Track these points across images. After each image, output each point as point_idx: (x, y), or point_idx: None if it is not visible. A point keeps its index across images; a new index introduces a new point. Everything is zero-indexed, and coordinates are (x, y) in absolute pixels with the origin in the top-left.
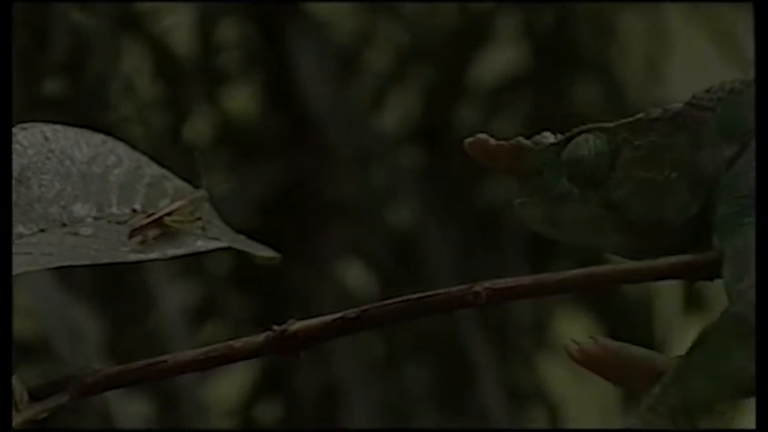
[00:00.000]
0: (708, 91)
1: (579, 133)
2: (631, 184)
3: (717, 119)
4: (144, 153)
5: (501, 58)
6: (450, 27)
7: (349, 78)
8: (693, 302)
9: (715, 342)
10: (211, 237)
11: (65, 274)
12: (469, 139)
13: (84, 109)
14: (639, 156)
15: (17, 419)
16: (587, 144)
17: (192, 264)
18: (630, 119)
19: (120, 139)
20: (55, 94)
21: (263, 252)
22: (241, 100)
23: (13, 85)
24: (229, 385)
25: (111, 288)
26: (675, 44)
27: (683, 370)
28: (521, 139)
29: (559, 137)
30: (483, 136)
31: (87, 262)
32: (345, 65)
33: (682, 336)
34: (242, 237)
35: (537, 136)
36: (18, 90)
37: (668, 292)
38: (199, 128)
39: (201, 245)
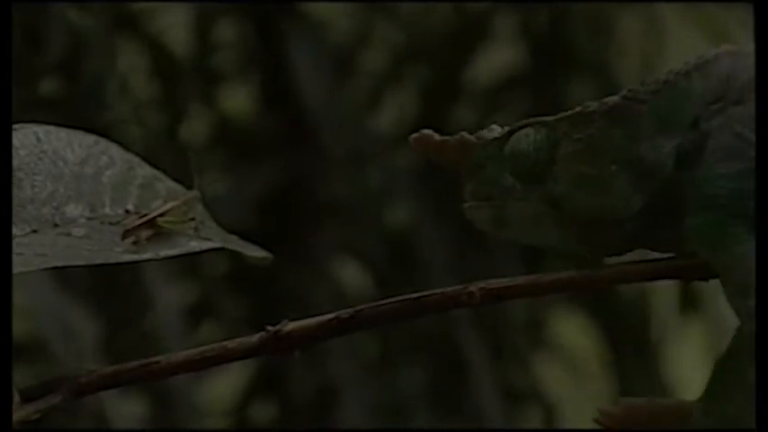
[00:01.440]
0: (643, 84)
1: (521, 127)
2: (571, 178)
3: (652, 111)
4: (140, 153)
5: (497, 57)
6: (447, 27)
7: (345, 78)
8: (689, 302)
9: (736, 365)
10: (204, 237)
11: (60, 275)
12: (414, 135)
13: (81, 109)
14: (578, 149)
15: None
16: (527, 138)
17: (188, 264)
18: (569, 112)
19: (115, 139)
20: (51, 93)
21: (255, 252)
22: (237, 100)
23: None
24: (224, 385)
25: (107, 288)
26: (671, 44)
27: (712, 397)
28: (464, 133)
29: (503, 131)
30: (427, 131)
31: (80, 262)
32: (341, 65)
33: (677, 335)
34: (234, 237)
35: (482, 130)
36: (14, 90)
37: (664, 292)
38: (195, 127)
39: (195, 245)
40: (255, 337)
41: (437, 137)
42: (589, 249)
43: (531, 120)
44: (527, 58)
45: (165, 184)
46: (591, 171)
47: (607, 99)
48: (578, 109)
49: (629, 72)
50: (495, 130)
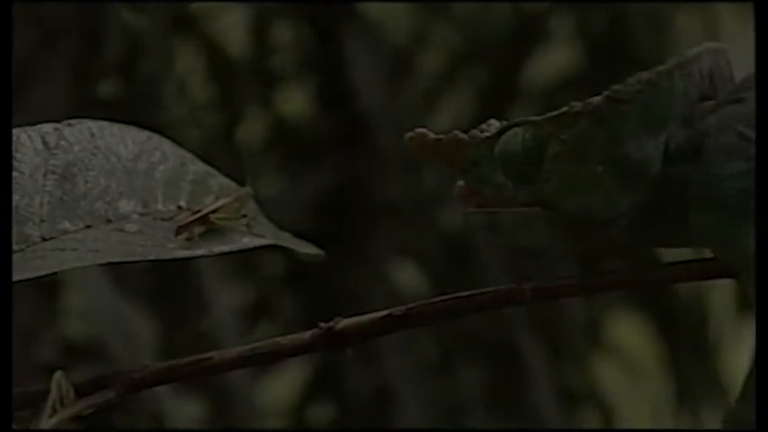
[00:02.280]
0: (625, 84)
1: (511, 126)
2: (559, 178)
3: (635, 111)
4: (196, 155)
5: (555, 58)
6: (504, 28)
7: (401, 79)
8: (746, 301)
9: None
10: (257, 234)
11: (117, 275)
12: (409, 134)
13: (138, 110)
14: (565, 150)
15: (63, 415)
16: (515, 138)
17: (244, 265)
18: (556, 112)
19: (172, 140)
20: (108, 95)
21: (307, 249)
22: (294, 101)
23: (67, 87)
24: (282, 386)
25: (164, 289)
26: (729, 43)
27: (744, 400)
28: (458, 132)
29: (499, 126)
30: (422, 130)
31: (134, 258)
32: (398, 65)
33: (734, 335)
34: (287, 234)
35: (475, 129)
36: (72, 91)
37: (720, 292)
38: (251, 129)
39: (247, 242)
40: (308, 334)
41: (432, 135)
42: (582, 251)
43: (521, 119)
44: (584, 58)
45: (218, 180)
46: (577, 172)
47: (591, 99)
48: (564, 109)
49: None
50: (494, 126)
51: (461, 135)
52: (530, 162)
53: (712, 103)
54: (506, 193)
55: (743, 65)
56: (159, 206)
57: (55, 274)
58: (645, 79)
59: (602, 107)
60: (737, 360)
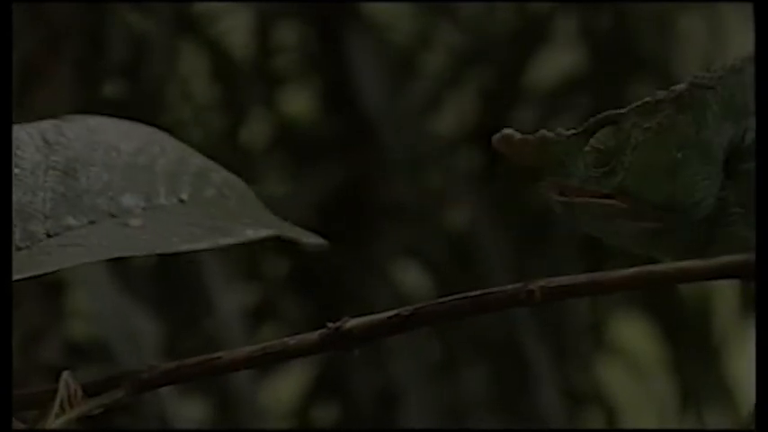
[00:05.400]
0: (709, 70)
1: (597, 122)
2: (642, 165)
3: (718, 97)
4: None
5: (559, 58)
6: (508, 28)
7: (405, 80)
8: (750, 302)
9: None
10: (260, 226)
11: (123, 277)
12: (496, 136)
13: (142, 111)
14: (647, 138)
15: (71, 414)
16: (603, 132)
17: (250, 266)
18: (639, 102)
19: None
20: (112, 96)
21: (311, 240)
22: (298, 102)
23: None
24: (287, 387)
25: (169, 290)
26: (734, 44)
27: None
28: (545, 131)
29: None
30: (509, 131)
31: (139, 252)
32: (402, 67)
33: (739, 336)
34: (289, 225)
35: (558, 129)
36: (76, 92)
37: (725, 293)
38: (256, 130)
39: (251, 233)
40: (316, 334)
41: (518, 135)
42: (662, 249)
43: (607, 113)
44: (589, 58)
45: (221, 174)
46: (659, 158)
47: (675, 87)
48: (647, 99)
49: (692, 72)
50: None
51: (548, 133)
52: (615, 153)
53: None
54: (590, 184)
55: None
56: (162, 200)
57: (60, 274)
58: (729, 66)
59: (685, 94)
60: (742, 361)
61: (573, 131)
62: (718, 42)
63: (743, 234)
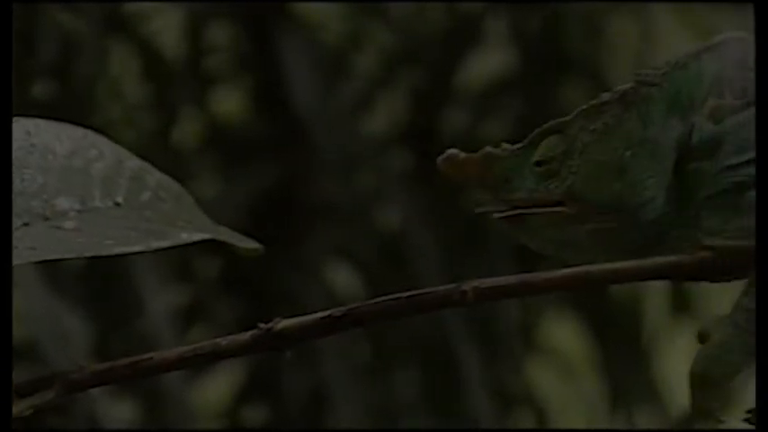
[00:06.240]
0: (654, 67)
1: (542, 133)
2: (589, 167)
3: (664, 93)
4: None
5: (489, 59)
6: (438, 29)
7: (337, 80)
8: (681, 304)
9: None
10: (195, 229)
11: (52, 277)
12: (441, 157)
13: (72, 111)
14: (594, 140)
15: None
16: (550, 141)
17: (181, 267)
18: (584, 106)
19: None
20: (43, 96)
21: (246, 244)
22: (229, 102)
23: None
24: (216, 388)
25: (99, 291)
26: (664, 45)
27: None
28: (489, 148)
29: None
30: (453, 151)
31: (73, 255)
32: (334, 67)
33: (668, 336)
34: (224, 228)
35: (502, 145)
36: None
37: (655, 293)
38: (187, 130)
39: (186, 237)
40: (248, 335)
41: (462, 155)
42: (611, 252)
43: (553, 121)
44: (519, 59)
45: (155, 176)
46: (606, 158)
47: (620, 87)
48: (593, 102)
49: (622, 74)
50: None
51: (493, 150)
52: (563, 159)
53: (732, 103)
54: (537, 194)
55: None
56: (97, 203)
57: None
58: (673, 62)
59: (630, 92)
60: (671, 361)
61: (518, 145)
62: (648, 43)
63: (692, 234)
